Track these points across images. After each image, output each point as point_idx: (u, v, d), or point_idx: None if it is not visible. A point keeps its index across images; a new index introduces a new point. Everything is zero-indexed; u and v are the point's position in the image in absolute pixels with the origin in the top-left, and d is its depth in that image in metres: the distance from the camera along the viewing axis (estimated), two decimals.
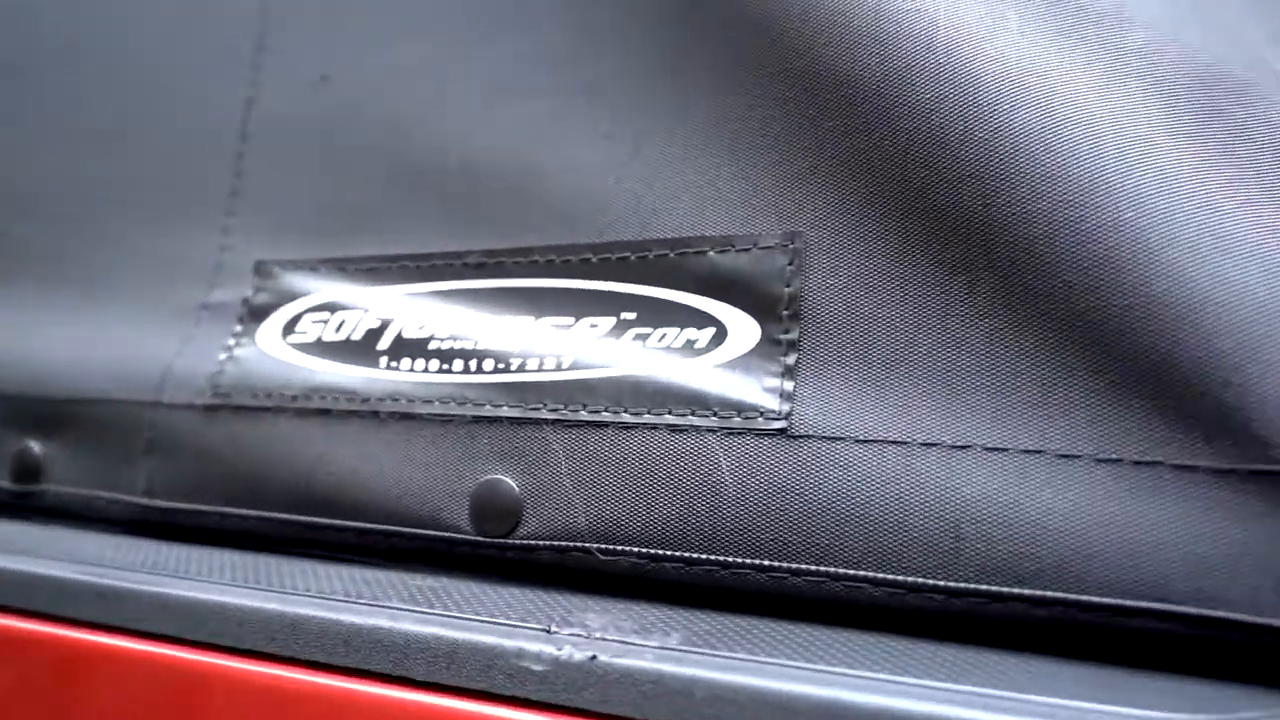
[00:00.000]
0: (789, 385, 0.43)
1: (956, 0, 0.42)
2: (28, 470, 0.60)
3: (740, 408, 0.43)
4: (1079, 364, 0.38)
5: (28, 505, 0.60)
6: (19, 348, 0.63)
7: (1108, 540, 0.36)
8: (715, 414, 0.43)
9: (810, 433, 0.41)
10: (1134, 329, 0.37)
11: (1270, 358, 0.35)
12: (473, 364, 0.49)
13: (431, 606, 0.42)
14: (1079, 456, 0.37)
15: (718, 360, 0.44)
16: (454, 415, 0.48)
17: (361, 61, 0.58)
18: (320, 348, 0.53)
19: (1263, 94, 0.39)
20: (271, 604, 0.44)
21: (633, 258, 0.48)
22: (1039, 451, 0.38)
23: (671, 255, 0.47)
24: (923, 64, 0.41)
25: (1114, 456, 0.37)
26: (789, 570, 0.40)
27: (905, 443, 0.40)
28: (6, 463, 0.61)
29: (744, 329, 0.44)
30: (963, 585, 0.38)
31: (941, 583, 0.38)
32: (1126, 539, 0.36)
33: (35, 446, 0.60)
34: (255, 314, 0.56)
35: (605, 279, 0.48)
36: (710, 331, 0.45)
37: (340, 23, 0.60)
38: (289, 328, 0.55)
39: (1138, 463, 0.36)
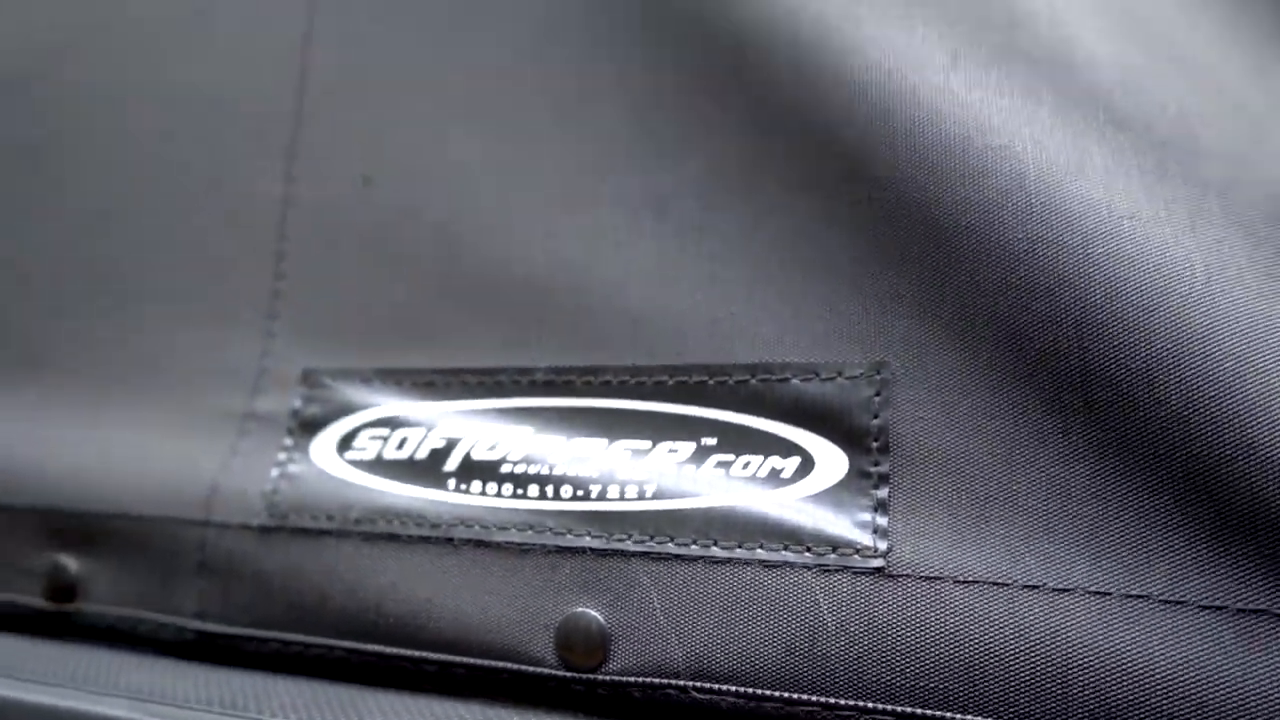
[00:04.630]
0: (882, 520, 0.43)
1: (1042, 139, 0.43)
2: (62, 588, 0.57)
3: (835, 543, 0.43)
4: (1180, 509, 0.39)
5: (64, 625, 0.57)
6: (45, 457, 0.60)
7: (1220, 691, 0.37)
8: (809, 550, 0.43)
9: (909, 572, 0.42)
10: (1233, 475, 0.38)
11: None
12: (549, 490, 0.48)
13: None
14: (1184, 603, 0.38)
15: (806, 492, 0.44)
16: (533, 544, 0.48)
17: (407, 162, 0.57)
18: (382, 466, 0.52)
19: None
20: None
21: (712, 382, 0.47)
22: (1144, 597, 0.39)
23: (753, 381, 0.47)
24: (1013, 202, 0.42)
25: (1219, 603, 0.38)
26: (894, 713, 0.40)
27: (1007, 585, 0.40)
28: (39, 580, 0.58)
29: (831, 460, 0.45)
30: None
31: None
32: (1239, 691, 0.37)
33: (70, 563, 0.58)
34: (306, 427, 0.55)
35: (683, 403, 0.48)
36: (796, 461, 0.45)
37: (382, 118, 0.59)
38: (345, 443, 0.54)
39: (1242, 610, 0.37)
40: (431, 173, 0.57)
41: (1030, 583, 0.40)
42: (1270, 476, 0.37)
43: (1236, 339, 0.38)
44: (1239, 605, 0.37)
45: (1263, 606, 0.37)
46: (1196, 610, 0.38)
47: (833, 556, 0.43)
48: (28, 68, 0.71)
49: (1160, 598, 0.38)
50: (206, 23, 0.66)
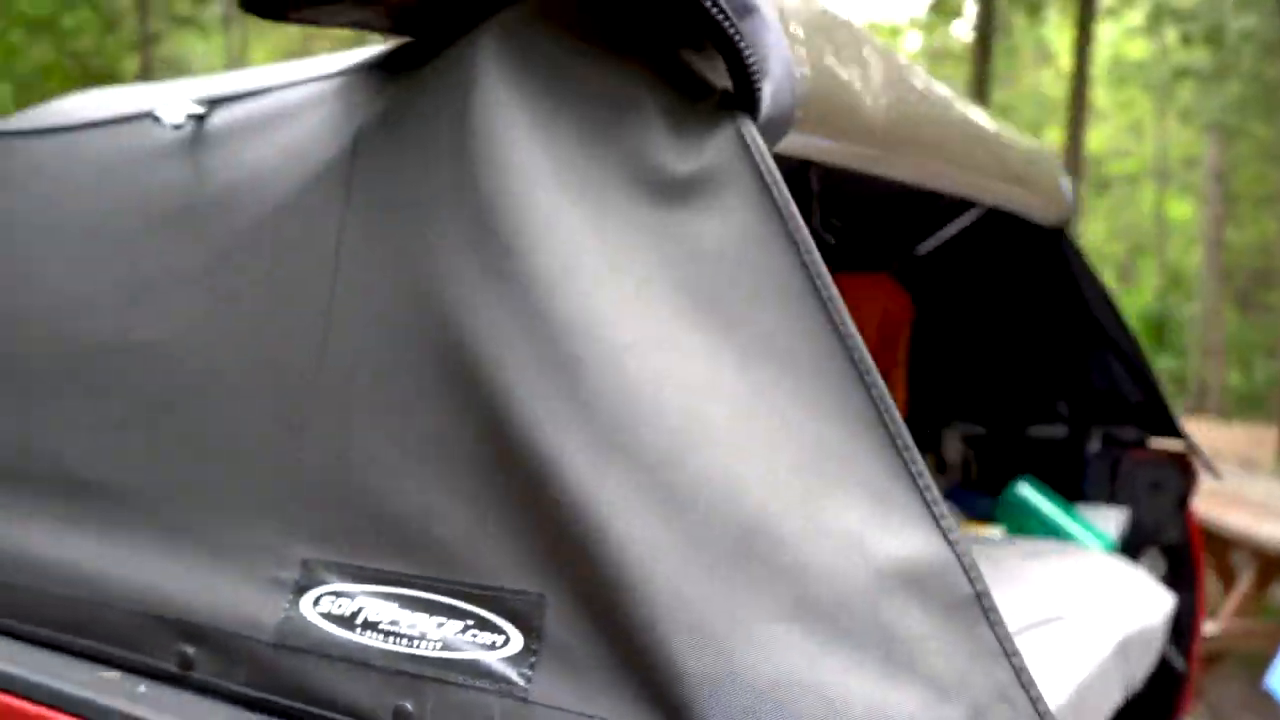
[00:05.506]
0: (530, 673, 0.89)
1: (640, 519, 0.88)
2: (184, 663, 1.11)
3: (508, 682, 0.90)
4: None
5: (187, 685, 1.11)
6: (178, 591, 1.15)
7: None
8: (499, 685, 0.90)
9: (539, 701, 0.88)
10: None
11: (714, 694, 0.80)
12: (399, 640, 0.97)
13: None
14: (567, 709, 0.83)
15: (502, 655, 0.92)
16: (388, 667, 0.97)
17: (366, 449, 1.07)
18: (330, 618, 1.03)
19: (798, 547, 0.84)
20: None
21: (475, 591, 0.95)
22: (592, 716, 0.84)
23: (490, 593, 0.94)
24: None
25: (599, 714, 0.83)
26: None
27: (575, 712, 0.86)
28: (173, 656, 1.12)
29: (517, 639, 0.92)
30: None
31: None
32: None
33: (189, 649, 1.11)
34: (298, 590, 1.06)
35: (462, 601, 0.96)
36: (503, 638, 0.92)
37: (346, 425, 1.09)
38: (315, 602, 1.04)
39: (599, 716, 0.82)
40: (368, 466, 1.06)
41: (588, 712, 0.86)
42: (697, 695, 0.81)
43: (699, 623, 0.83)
44: (599, 714, 0.82)
45: (604, 715, 0.82)
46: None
47: (506, 689, 0.90)
48: (149, 343, 1.26)
49: (587, 712, 0.84)
50: (237, 345, 1.18)
